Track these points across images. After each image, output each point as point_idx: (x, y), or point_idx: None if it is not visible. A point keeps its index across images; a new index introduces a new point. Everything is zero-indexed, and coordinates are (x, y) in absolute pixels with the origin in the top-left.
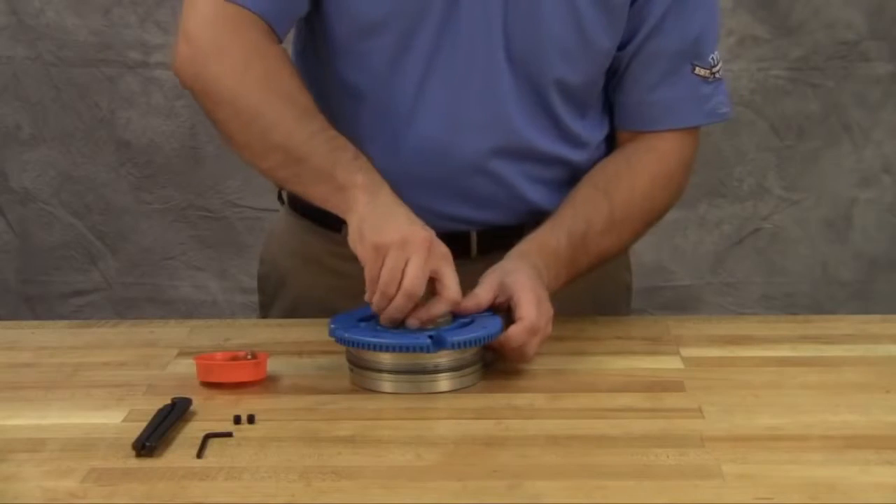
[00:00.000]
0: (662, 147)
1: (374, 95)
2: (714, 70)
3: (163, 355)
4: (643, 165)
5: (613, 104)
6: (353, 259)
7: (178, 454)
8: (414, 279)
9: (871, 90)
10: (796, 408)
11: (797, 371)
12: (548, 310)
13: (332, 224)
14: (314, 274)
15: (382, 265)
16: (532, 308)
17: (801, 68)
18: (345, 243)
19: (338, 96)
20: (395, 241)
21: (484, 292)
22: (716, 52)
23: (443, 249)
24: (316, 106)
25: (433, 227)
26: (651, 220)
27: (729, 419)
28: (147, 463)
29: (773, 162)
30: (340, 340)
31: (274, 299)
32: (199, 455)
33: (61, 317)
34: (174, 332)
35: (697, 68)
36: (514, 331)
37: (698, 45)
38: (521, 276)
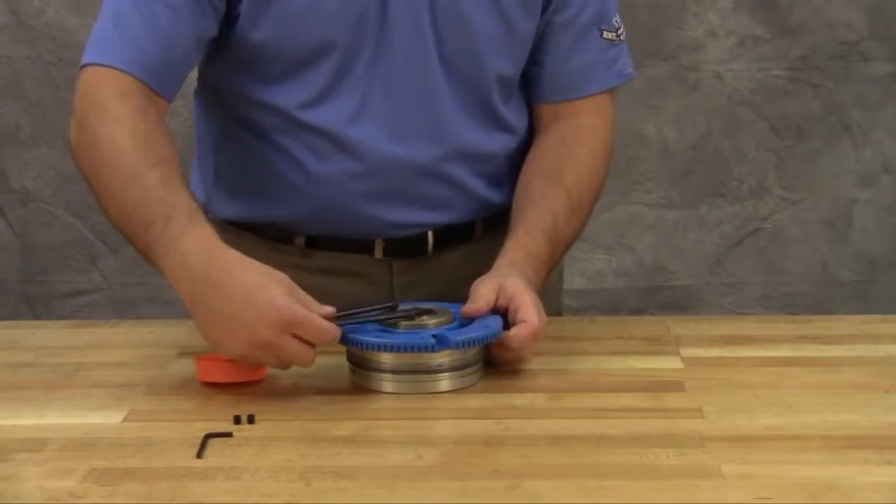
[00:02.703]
0: (587, 120)
1: (320, 118)
2: (618, 32)
3: (163, 355)
4: (579, 144)
5: (529, 78)
6: (305, 269)
7: (178, 454)
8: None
9: (871, 90)
10: (796, 408)
11: (797, 371)
12: (544, 315)
13: (283, 237)
14: None
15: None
16: (534, 312)
17: (801, 68)
18: (295, 254)
19: (279, 126)
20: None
21: (487, 292)
22: (617, 16)
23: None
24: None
25: (389, 235)
26: (600, 192)
27: (729, 419)
28: (147, 463)
29: (772, 162)
30: (343, 341)
31: None
32: (199, 455)
33: (61, 317)
34: (174, 332)
35: (605, 32)
36: (518, 333)
37: (604, 10)
38: (518, 280)
